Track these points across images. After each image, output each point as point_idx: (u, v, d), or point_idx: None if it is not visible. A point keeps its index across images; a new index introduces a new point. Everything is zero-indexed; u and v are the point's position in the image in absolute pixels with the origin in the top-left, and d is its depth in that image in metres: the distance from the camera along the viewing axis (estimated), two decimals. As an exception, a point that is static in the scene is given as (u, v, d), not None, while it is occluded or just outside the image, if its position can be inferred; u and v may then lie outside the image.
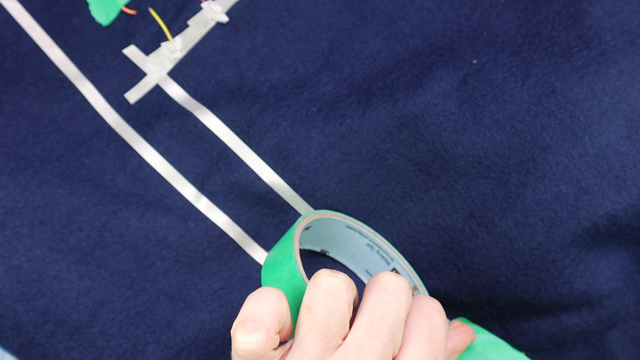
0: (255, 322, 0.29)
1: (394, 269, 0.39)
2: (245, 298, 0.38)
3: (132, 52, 0.41)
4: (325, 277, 0.29)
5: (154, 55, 0.41)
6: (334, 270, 0.31)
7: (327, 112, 0.38)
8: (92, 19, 0.42)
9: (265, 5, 0.41)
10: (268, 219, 0.40)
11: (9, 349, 0.39)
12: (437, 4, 0.41)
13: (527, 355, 0.40)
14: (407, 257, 0.39)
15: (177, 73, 0.41)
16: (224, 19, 0.41)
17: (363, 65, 0.40)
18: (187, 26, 0.41)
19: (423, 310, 0.31)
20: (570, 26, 0.39)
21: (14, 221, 0.39)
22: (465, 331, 0.38)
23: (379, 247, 0.38)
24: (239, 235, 0.40)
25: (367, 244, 0.38)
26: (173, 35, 0.41)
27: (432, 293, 0.40)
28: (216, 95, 0.40)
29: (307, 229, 0.36)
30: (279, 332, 0.30)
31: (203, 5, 0.41)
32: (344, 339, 0.30)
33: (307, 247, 0.39)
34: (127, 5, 0.41)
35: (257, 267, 0.40)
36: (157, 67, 0.41)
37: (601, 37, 0.38)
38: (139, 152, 0.40)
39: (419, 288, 0.38)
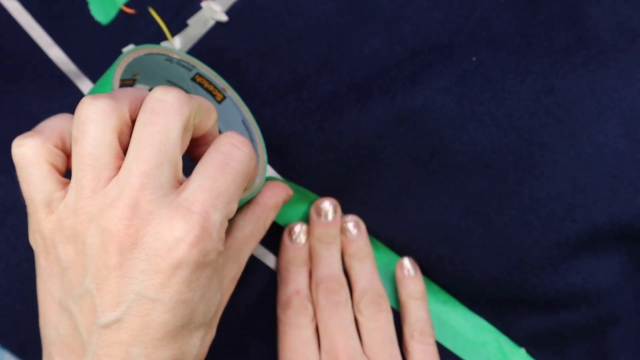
0: (33, 131, 0.29)
1: (196, 74, 0.36)
2: None
3: (131, 51, 0.41)
4: (85, 106, 0.27)
5: (153, 54, 0.41)
6: (112, 93, 0.29)
7: (325, 109, 0.38)
8: (91, 18, 0.42)
9: (265, 4, 0.41)
10: None
11: (9, 347, 0.39)
12: (437, 4, 0.41)
13: (527, 350, 0.40)
14: (402, 251, 0.39)
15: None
16: (224, 18, 0.41)
17: (362, 65, 0.40)
18: (186, 25, 0.41)
19: (220, 144, 0.29)
20: (569, 27, 0.39)
21: (12, 219, 0.39)
22: (279, 186, 0.36)
23: (178, 60, 0.36)
24: None
25: (166, 59, 0.35)
26: (172, 35, 0.41)
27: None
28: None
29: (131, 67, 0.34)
30: (61, 149, 0.29)
31: (203, 4, 0.41)
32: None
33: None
34: (126, 5, 0.42)
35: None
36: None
37: (600, 38, 0.38)
38: None
39: (229, 90, 0.37)
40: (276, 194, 0.36)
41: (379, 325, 0.37)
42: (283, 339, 0.37)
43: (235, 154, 0.29)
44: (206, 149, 0.29)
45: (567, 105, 0.36)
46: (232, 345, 0.39)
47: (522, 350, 0.39)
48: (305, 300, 0.37)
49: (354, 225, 0.39)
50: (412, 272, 0.39)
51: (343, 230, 0.39)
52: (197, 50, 0.41)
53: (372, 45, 0.41)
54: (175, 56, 0.35)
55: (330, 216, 0.38)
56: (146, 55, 0.34)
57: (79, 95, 0.41)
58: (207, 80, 0.37)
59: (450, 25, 0.41)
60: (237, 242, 0.33)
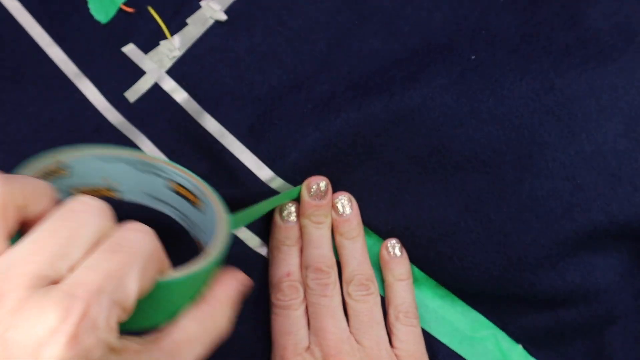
0: None
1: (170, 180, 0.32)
2: None
3: (130, 50, 0.41)
4: None
5: (152, 53, 0.41)
6: None
7: (322, 108, 0.38)
8: (91, 17, 0.42)
9: (264, 3, 0.41)
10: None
11: None
12: (436, 4, 0.41)
13: (525, 348, 0.40)
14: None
15: (176, 71, 0.41)
16: (223, 17, 0.41)
17: (361, 64, 0.40)
18: (185, 24, 0.41)
19: (118, 233, 0.25)
20: (568, 27, 0.39)
21: None
22: (235, 276, 0.30)
23: (151, 165, 0.31)
24: None
25: (138, 169, 0.31)
26: (172, 34, 0.41)
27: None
28: (214, 94, 0.41)
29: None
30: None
31: (202, 3, 0.41)
32: None
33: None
34: (125, 4, 0.42)
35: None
36: (155, 65, 0.41)
37: (599, 38, 0.38)
38: (141, 148, 0.40)
39: (208, 193, 0.32)
40: (230, 286, 0.29)
41: (367, 307, 0.38)
42: (275, 321, 0.38)
43: (130, 234, 0.25)
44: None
45: (566, 104, 0.36)
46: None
47: (520, 347, 0.40)
48: (295, 282, 0.38)
49: (346, 202, 0.39)
50: (398, 253, 0.39)
51: (335, 209, 0.39)
52: (196, 49, 0.41)
53: (371, 45, 0.41)
54: (148, 160, 0.31)
55: (321, 195, 0.38)
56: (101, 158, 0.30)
57: (79, 94, 0.41)
58: (184, 188, 0.32)
59: (449, 25, 0.41)
60: (174, 345, 0.26)
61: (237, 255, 0.37)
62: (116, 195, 0.32)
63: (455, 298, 0.40)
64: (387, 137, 0.38)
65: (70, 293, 0.22)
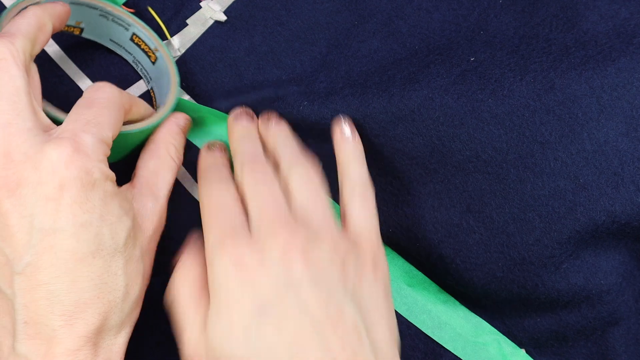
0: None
1: (133, 34, 0.39)
2: None
3: (130, 50, 0.41)
4: None
5: (152, 53, 0.41)
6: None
7: (323, 108, 0.38)
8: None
9: (264, 4, 0.41)
10: None
11: None
12: (435, 4, 0.41)
13: (527, 351, 0.39)
14: (403, 251, 0.39)
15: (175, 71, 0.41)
16: (222, 17, 0.41)
17: (360, 64, 0.40)
18: (185, 25, 0.41)
19: (90, 90, 0.32)
20: (567, 29, 0.39)
21: None
22: (172, 116, 0.37)
23: (113, 15, 0.38)
24: None
25: (100, 15, 0.38)
26: (172, 34, 0.41)
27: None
28: (214, 94, 0.40)
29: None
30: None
31: (202, 4, 0.42)
32: None
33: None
34: (125, 4, 0.42)
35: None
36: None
37: (598, 40, 0.38)
38: None
39: (160, 49, 0.39)
40: (169, 125, 0.36)
41: (308, 180, 0.34)
42: (204, 198, 0.34)
43: (99, 92, 0.31)
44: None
45: (567, 103, 0.36)
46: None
47: (523, 352, 0.39)
48: (225, 167, 0.36)
49: (275, 121, 0.37)
50: (350, 134, 0.37)
51: (262, 128, 0.37)
52: (196, 49, 0.41)
53: (370, 45, 0.41)
54: (109, 9, 0.37)
55: (247, 117, 0.38)
56: (74, 4, 0.36)
57: (78, 93, 0.41)
58: (143, 41, 0.39)
59: (448, 26, 0.41)
60: (144, 179, 0.34)
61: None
62: (84, 35, 0.39)
63: (458, 303, 0.40)
64: (386, 137, 0.38)
65: (60, 137, 0.28)
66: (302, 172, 0.34)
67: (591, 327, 0.38)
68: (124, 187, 0.32)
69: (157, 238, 0.33)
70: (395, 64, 0.39)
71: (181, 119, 0.37)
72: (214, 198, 0.33)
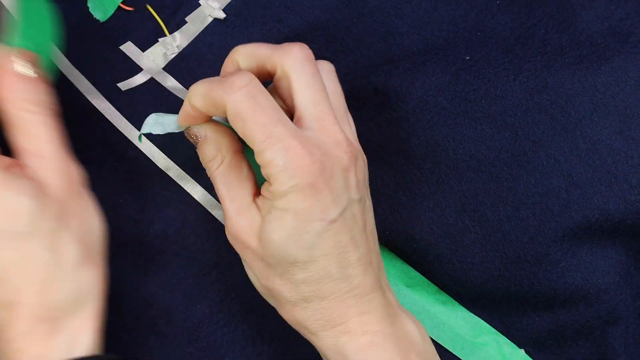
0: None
1: None
2: None
3: (128, 47, 0.41)
4: None
5: (150, 51, 0.41)
6: None
7: None
8: (89, 15, 0.42)
9: (263, 1, 0.42)
10: None
11: None
12: (434, 4, 0.41)
13: (526, 351, 0.40)
14: (400, 253, 0.40)
15: (175, 69, 0.41)
16: (221, 15, 0.42)
17: (358, 63, 0.40)
18: (184, 22, 0.42)
19: None
20: (563, 29, 0.39)
21: None
22: None
23: None
24: None
25: None
26: (171, 32, 0.41)
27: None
28: None
29: None
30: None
31: (201, 1, 0.42)
32: None
33: None
34: (124, 2, 0.42)
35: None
36: (153, 62, 0.41)
37: (593, 40, 0.38)
38: (131, 141, 0.40)
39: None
40: (6, 81, 0.32)
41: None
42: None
43: None
44: None
45: (560, 102, 0.36)
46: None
47: (522, 352, 0.39)
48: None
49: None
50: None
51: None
52: (195, 46, 0.41)
53: (368, 44, 0.41)
54: None
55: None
56: None
57: (77, 93, 0.41)
58: None
59: (446, 26, 0.41)
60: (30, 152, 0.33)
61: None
62: None
63: (457, 304, 0.40)
64: (382, 137, 0.38)
65: None
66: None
67: (590, 327, 0.38)
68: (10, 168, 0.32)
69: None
70: (393, 64, 0.40)
71: (18, 63, 0.32)
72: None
